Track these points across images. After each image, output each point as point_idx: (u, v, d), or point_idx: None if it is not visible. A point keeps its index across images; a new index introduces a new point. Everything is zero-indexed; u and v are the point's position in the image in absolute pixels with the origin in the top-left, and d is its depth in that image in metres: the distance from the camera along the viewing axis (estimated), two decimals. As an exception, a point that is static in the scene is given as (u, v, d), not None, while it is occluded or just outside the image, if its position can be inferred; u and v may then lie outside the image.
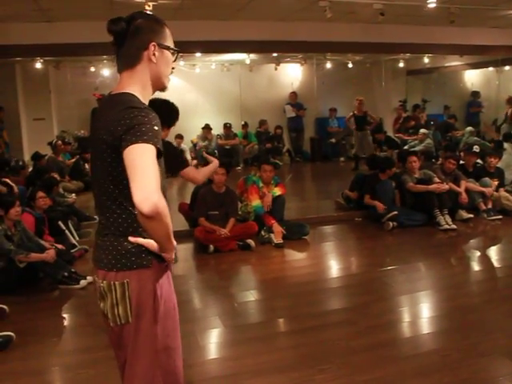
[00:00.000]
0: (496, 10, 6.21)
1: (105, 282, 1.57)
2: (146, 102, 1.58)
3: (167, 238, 1.49)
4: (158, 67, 1.62)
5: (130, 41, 1.58)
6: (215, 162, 3.27)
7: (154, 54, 1.60)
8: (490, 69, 11.65)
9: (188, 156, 10.54)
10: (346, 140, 11.88)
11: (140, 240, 1.56)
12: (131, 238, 1.55)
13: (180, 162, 3.10)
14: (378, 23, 6.07)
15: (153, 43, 1.59)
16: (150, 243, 1.55)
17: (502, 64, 10.65)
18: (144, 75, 1.61)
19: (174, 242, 1.55)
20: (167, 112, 3.16)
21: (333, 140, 11.67)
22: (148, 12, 1.66)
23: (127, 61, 1.60)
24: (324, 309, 3.69)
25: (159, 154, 1.43)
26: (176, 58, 1.69)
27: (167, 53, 1.65)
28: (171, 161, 3.15)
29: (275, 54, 9.97)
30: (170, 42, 1.66)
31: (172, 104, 3.15)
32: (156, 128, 1.45)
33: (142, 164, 1.38)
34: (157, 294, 1.58)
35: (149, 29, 1.60)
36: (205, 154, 3.78)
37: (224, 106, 11.05)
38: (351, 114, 9.95)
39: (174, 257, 1.60)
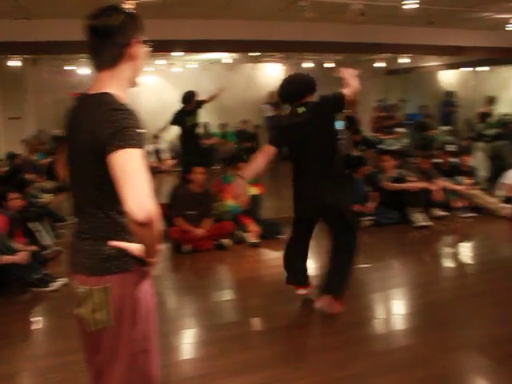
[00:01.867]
0: (472, 11, 6.32)
1: (85, 287, 1.53)
2: (126, 100, 1.51)
3: (156, 243, 1.45)
4: (137, 64, 1.59)
5: (111, 38, 1.51)
6: None
7: (135, 51, 1.56)
8: (467, 69, 11.86)
9: (164, 156, 10.47)
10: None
11: (122, 244, 1.52)
12: (112, 243, 1.51)
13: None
14: (359, 23, 6.12)
15: (135, 39, 1.55)
16: (132, 247, 1.51)
17: (478, 65, 10.85)
18: (125, 73, 1.56)
19: (160, 246, 1.51)
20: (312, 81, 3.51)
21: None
22: (121, 6, 1.60)
23: (108, 59, 1.53)
24: (298, 307, 3.70)
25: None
26: (150, 50, 1.64)
27: (144, 47, 1.61)
28: None
29: (256, 54, 9.96)
30: (144, 36, 1.60)
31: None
32: (142, 130, 1.42)
33: (133, 170, 1.34)
34: (138, 297, 1.55)
35: (130, 24, 1.55)
36: None
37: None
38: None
39: (157, 260, 1.57)
